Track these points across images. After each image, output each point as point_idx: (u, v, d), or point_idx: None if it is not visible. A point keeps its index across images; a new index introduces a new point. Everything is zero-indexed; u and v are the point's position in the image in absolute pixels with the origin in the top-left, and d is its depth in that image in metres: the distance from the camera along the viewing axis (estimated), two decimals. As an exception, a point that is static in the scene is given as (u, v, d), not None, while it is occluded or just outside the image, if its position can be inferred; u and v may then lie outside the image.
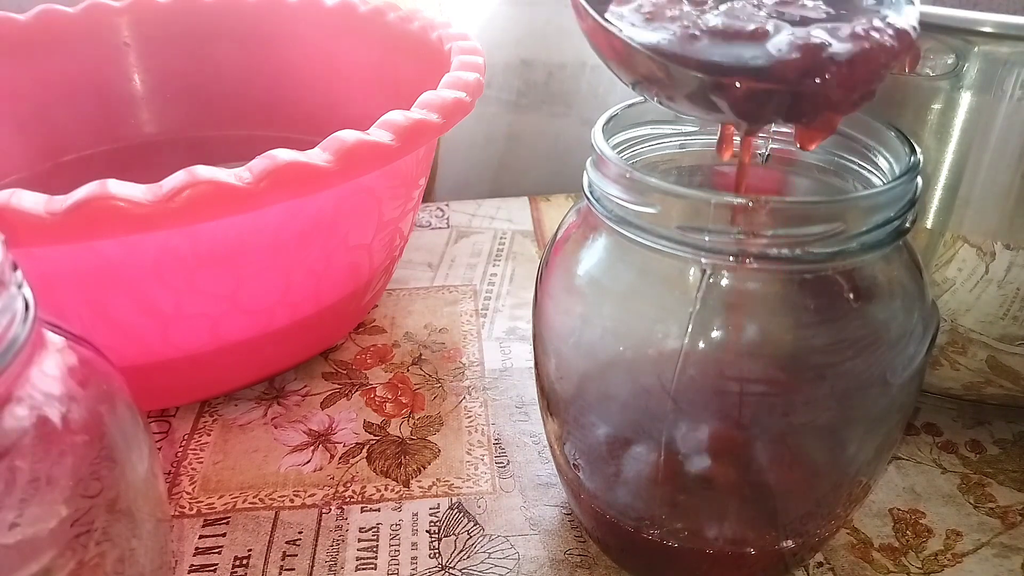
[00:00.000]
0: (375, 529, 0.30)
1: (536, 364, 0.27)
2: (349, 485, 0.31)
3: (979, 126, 0.25)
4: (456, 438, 0.34)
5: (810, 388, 0.23)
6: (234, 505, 0.31)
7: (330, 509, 0.30)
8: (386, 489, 0.31)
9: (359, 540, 0.29)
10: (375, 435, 0.34)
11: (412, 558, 0.28)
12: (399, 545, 0.29)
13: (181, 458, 0.33)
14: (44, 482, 0.17)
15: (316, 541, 0.29)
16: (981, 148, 0.26)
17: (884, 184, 0.21)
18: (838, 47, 0.19)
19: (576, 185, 0.27)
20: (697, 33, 0.20)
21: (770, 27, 0.20)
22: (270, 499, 0.31)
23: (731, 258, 0.20)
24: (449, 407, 0.35)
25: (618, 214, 0.22)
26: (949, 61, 0.25)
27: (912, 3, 0.21)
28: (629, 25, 0.21)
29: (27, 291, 0.17)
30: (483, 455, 0.33)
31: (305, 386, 0.37)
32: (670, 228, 0.21)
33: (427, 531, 0.29)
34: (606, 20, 0.21)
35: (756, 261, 0.20)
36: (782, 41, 0.20)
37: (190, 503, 0.31)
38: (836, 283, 0.22)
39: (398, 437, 0.34)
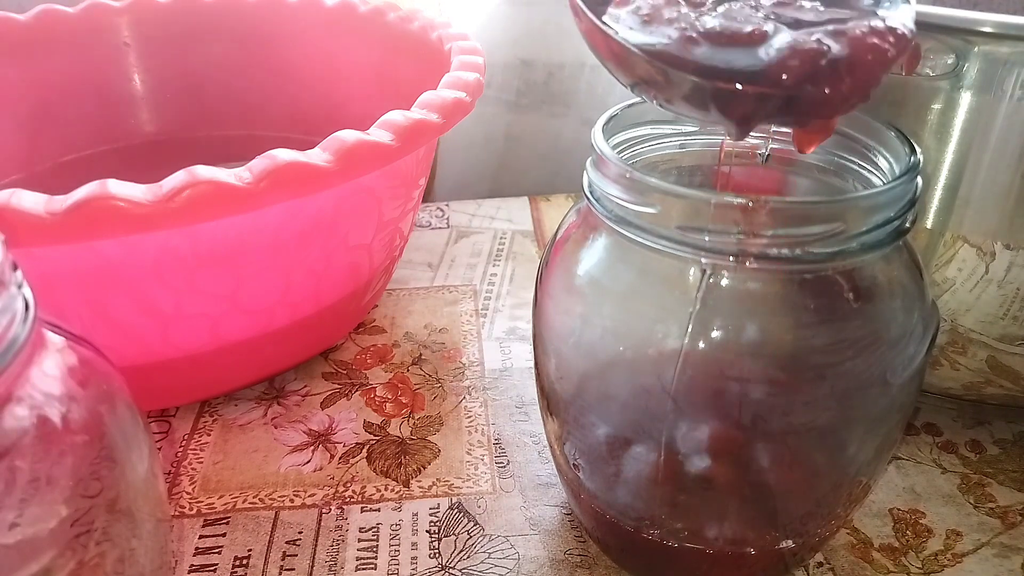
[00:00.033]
0: (375, 529, 0.30)
1: (536, 364, 0.27)
2: (349, 485, 0.31)
3: (979, 126, 0.25)
4: (456, 438, 0.34)
5: (810, 388, 0.23)
6: (234, 505, 0.31)
7: (330, 509, 0.30)
8: (386, 489, 0.31)
9: (359, 540, 0.29)
10: (375, 435, 0.34)
11: (412, 558, 0.28)
12: (399, 545, 0.29)
13: (181, 458, 0.33)
14: (44, 482, 0.17)
15: (316, 541, 0.29)
16: (981, 148, 0.26)
17: (884, 184, 0.21)
18: (836, 51, 0.19)
19: (576, 185, 0.27)
20: (695, 35, 0.20)
21: (767, 28, 0.20)
22: (270, 499, 0.31)
23: (731, 258, 0.20)
24: (449, 407, 0.35)
25: (618, 214, 0.22)
26: (949, 61, 0.25)
27: (908, 2, 0.21)
28: (626, 28, 0.21)
29: (27, 291, 0.17)
30: (483, 455, 0.33)
31: (305, 386, 0.37)
32: (670, 228, 0.21)
33: (427, 531, 0.29)
34: (603, 23, 0.21)
35: (756, 261, 0.20)
36: (779, 45, 0.20)
37: (190, 503, 0.31)
38: (836, 283, 0.22)
39: (398, 437, 0.34)
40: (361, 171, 0.29)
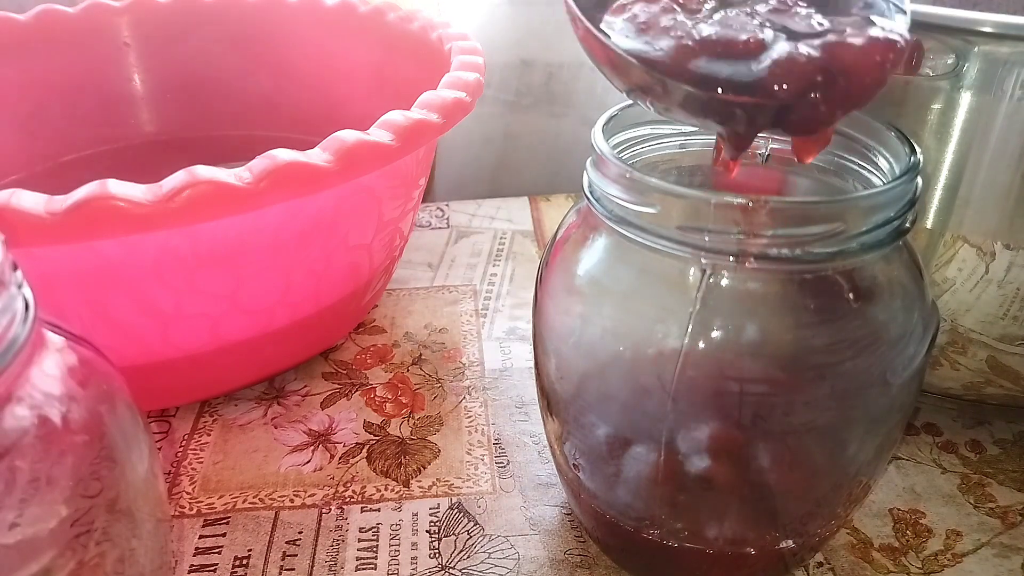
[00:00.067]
0: (375, 529, 0.30)
1: (536, 364, 0.27)
2: (349, 485, 0.31)
3: (979, 126, 0.25)
4: (456, 438, 0.34)
5: (810, 388, 0.23)
6: (234, 505, 0.31)
7: (330, 509, 0.30)
8: (386, 489, 0.31)
9: (359, 540, 0.29)
10: (375, 435, 0.34)
11: (412, 558, 0.28)
12: (399, 545, 0.29)
13: (181, 458, 0.33)
14: (44, 482, 0.17)
15: (316, 541, 0.29)
16: (981, 148, 0.26)
17: (884, 184, 0.21)
18: (832, 65, 0.19)
19: (576, 185, 0.27)
20: (691, 43, 0.20)
21: (764, 36, 0.20)
22: (270, 499, 0.31)
23: (731, 258, 0.20)
24: (449, 407, 0.35)
25: (618, 214, 0.22)
26: (949, 61, 0.25)
27: (903, 12, 0.21)
28: (623, 36, 0.21)
29: (27, 291, 0.17)
30: (483, 455, 0.33)
31: (305, 386, 0.37)
32: (670, 228, 0.21)
33: (427, 531, 0.29)
34: (600, 31, 0.21)
35: (756, 261, 0.20)
36: (776, 56, 0.20)
37: (190, 503, 0.31)
38: (836, 283, 0.22)
39: (398, 437, 0.34)
40: (361, 171, 0.29)
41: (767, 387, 0.23)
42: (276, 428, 0.34)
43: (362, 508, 0.30)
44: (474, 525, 0.30)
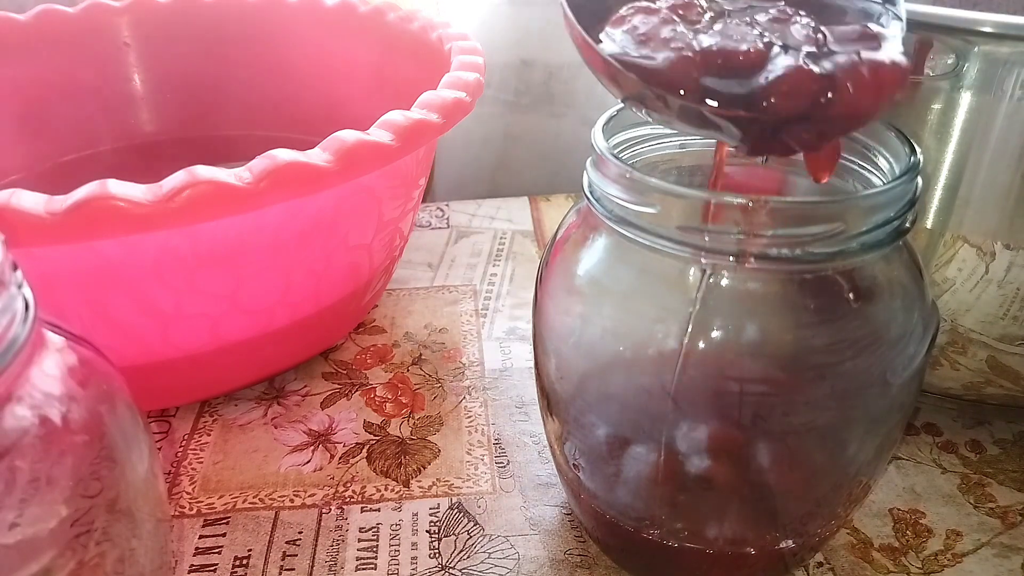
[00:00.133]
0: (375, 529, 0.30)
1: (536, 364, 0.27)
2: (349, 485, 0.31)
3: (979, 126, 0.25)
4: (456, 438, 0.34)
5: (810, 388, 0.23)
6: (234, 505, 0.31)
7: (330, 509, 0.30)
8: (386, 489, 0.31)
9: (359, 540, 0.29)
10: (375, 435, 0.34)
11: (412, 558, 0.28)
12: (399, 545, 0.29)
13: (181, 458, 0.33)
14: (44, 482, 0.17)
15: (316, 541, 0.29)
16: (981, 148, 0.26)
17: (884, 184, 0.21)
18: (836, 83, 0.19)
19: (576, 185, 0.27)
20: (691, 55, 0.20)
21: (764, 49, 0.20)
22: (270, 499, 0.31)
23: (731, 258, 0.20)
24: (449, 407, 0.35)
25: (618, 214, 0.22)
26: (949, 61, 0.25)
27: (899, 18, 0.21)
28: (620, 48, 0.21)
29: (27, 291, 0.17)
30: (483, 455, 0.33)
31: (305, 386, 0.37)
32: (670, 228, 0.21)
33: (427, 531, 0.29)
34: (597, 41, 0.21)
35: (756, 261, 0.20)
36: (777, 72, 0.19)
37: (190, 503, 0.31)
38: (836, 283, 0.22)
39: (398, 437, 0.34)
40: (361, 171, 0.29)
41: (767, 387, 0.23)
42: (276, 428, 0.34)
43: (362, 508, 0.30)
44: (474, 525, 0.30)
